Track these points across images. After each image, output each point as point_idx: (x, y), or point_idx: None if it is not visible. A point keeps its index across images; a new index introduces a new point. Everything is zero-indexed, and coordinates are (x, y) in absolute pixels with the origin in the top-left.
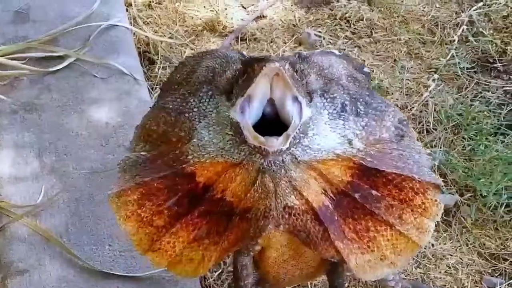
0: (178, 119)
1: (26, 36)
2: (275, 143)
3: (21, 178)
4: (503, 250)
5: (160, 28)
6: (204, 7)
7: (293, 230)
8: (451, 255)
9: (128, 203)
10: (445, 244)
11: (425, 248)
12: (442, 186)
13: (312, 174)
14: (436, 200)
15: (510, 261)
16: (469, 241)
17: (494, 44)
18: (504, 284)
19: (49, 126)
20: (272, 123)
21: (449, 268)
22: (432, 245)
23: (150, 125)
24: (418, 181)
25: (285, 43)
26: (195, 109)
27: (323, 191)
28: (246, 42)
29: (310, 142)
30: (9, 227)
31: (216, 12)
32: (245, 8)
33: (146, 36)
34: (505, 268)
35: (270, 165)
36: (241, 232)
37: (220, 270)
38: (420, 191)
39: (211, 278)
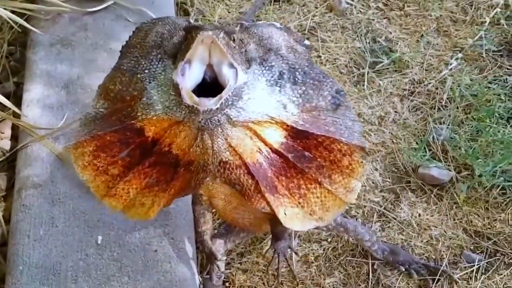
0: (131, 79)
1: None
2: (207, 103)
3: (48, 104)
4: (489, 229)
5: None
6: None
7: (229, 183)
8: (436, 227)
9: (84, 154)
10: (432, 216)
11: (411, 217)
12: (368, 150)
13: (248, 133)
14: (362, 162)
15: (494, 241)
16: (457, 216)
17: None
18: (483, 262)
19: (80, 61)
20: (215, 87)
21: (431, 238)
22: (419, 214)
23: (108, 84)
24: (345, 143)
25: (316, 7)
26: (146, 71)
27: (258, 150)
28: (279, 3)
29: (245, 105)
30: (31, 146)
31: None
32: None
33: None
34: (488, 246)
35: (207, 123)
36: (185, 182)
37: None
38: (347, 153)
39: None
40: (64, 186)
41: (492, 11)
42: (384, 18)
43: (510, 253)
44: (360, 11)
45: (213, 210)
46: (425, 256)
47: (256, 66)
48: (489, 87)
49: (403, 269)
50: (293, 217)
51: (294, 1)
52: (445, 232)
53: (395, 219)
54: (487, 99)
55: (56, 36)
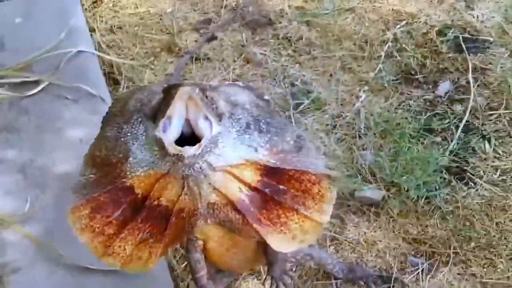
0: (116, 144)
1: (2, 64)
2: (189, 150)
3: (8, 191)
4: (423, 235)
5: (122, 51)
6: (161, 30)
7: (219, 221)
8: (380, 241)
9: (82, 217)
10: (375, 231)
11: (358, 236)
12: (334, 180)
13: (228, 176)
14: (329, 188)
15: (429, 244)
16: (395, 228)
17: (415, 58)
18: (425, 264)
19: (29, 145)
20: (191, 140)
21: (379, 252)
22: (365, 233)
23: (94, 152)
24: (313, 173)
25: (235, 61)
26: (129, 134)
27: (239, 189)
28: (200, 62)
29: (221, 152)
30: (1, 233)
31: (172, 34)
32: (197, 31)
33: (110, 59)
34: (426, 250)
35: (190, 171)
36: (178, 229)
37: (186, 262)
38: (316, 182)
39: (179, 269)
40: (45, 268)
41: (385, 46)
42: (296, 63)
43: (445, 252)
44: (274, 60)
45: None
46: (378, 268)
47: (226, 120)
48: (396, 113)
49: (362, 283)
50: (280, 242)
51: (213, 58)
52: (389, 243)
53: (345, 240)
54: (397, 123)
55: None
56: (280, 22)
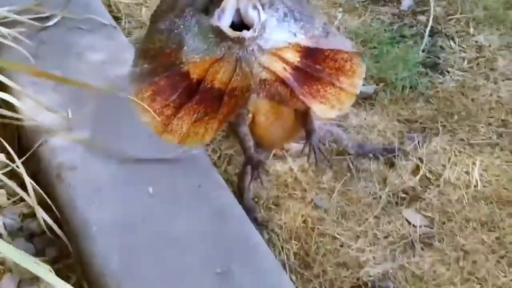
0: (169, 36)
1: (12, 3)
2: (248, 33)
3: (47, 107)
4: (414, 116)
5: None
6: None
7: (270, 95)
8: (379, 123)
9: (144, 99)
10: (373, 117)
11: (360, 122)
12: (363, 57)
13: (274, 58)
14: (360, 63)
15: (420, 122)
16: (389, 113)
17: None
18: (419, 136)
19: (56, 69)
20: (239, 29)
21: (380, 131)
22: (365, 118)
23: (148, 45)
24: (345, 52)
25: None
26: (182, 26)
27: (284, 68)
28: None
29: (268, 36)
30: (50, 141)
31: None
32: None
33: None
34: (417, 127)
35: (244, 53)
36: (231, 105)
37: (218, 154)
38: (348, 59)
39: (215, 157)
40: (98, 163)
41: None
42: None
43: (434, 126)
44: None
45: None
46: (382, 144)
47: (268, 9)
48: (371, 26)
49: (371, 155)
50: (322, 111)
51: None
52: (387, 125)
53: (350, 126)
54: (374, 34)
55: (22, 51)
56: None
